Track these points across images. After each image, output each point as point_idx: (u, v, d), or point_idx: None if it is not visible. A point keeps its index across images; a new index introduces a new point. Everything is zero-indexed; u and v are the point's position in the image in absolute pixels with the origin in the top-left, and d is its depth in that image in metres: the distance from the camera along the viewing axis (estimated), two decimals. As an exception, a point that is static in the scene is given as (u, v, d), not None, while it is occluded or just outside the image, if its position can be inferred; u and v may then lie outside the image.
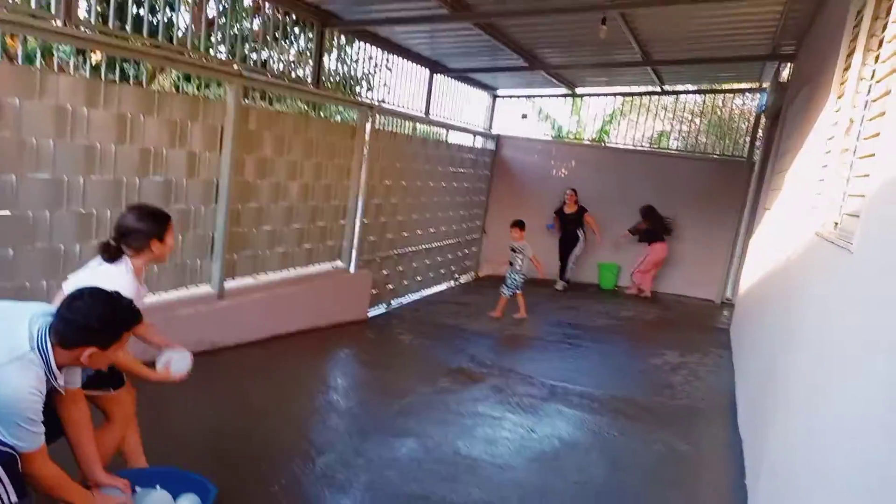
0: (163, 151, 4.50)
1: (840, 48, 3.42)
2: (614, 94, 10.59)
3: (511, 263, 7.12)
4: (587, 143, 11.16)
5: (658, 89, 9.77)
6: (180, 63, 4.62)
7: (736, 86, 10.21)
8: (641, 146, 10.25)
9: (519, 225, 7.09)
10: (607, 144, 10.81)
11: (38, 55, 4.01)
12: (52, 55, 6.68)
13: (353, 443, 3.65)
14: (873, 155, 2.27)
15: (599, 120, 11.61)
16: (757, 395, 3.99)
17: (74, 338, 1.94)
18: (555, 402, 4.68)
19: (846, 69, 3.24)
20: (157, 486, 2.43)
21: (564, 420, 4.36)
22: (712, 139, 10.20)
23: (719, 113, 10.29)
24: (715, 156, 9.86)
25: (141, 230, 2.60)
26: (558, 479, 3.50)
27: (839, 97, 3.31)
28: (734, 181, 9.21)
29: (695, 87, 10.03)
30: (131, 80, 4.52)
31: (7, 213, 3.64)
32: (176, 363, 2.70)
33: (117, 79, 4.46)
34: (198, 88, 5.95)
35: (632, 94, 10.29)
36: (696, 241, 9.41)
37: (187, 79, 5.42)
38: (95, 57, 5.22)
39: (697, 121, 10.47)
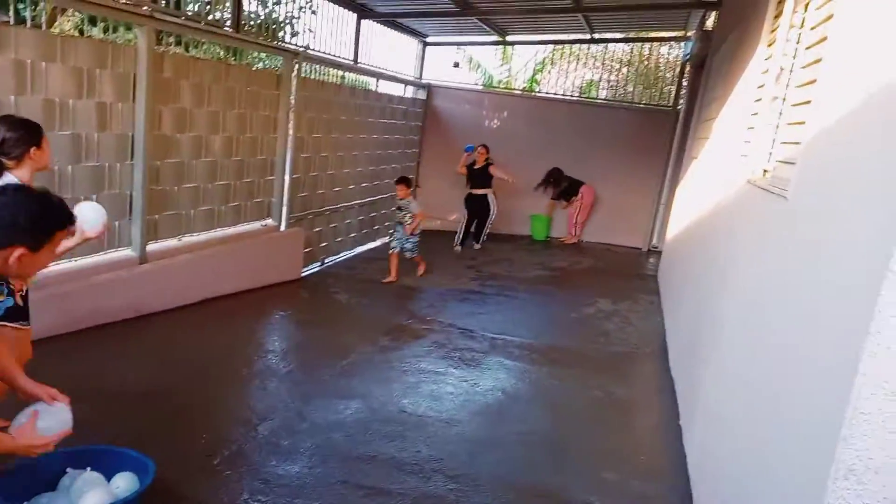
0: (69, 103, 4.12)
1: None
2: (544, 42, 10.52)
3: (400, 223, 6.64)
4: (518, 92, 11.10)
5: (588, 37, 9.76)
6: (83, 3, 4.18)
7: (663, 34, 10.33)
8: (571, 96, 10.29)
9: (404, 182, 6.64)
10: (537, 94, 10.79)
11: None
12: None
13: (297, 407, 3.56)
14: (809, 102, 2.31)
15: (530, 69, 11.55)
16: (688, 338, 4.15)
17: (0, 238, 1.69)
18: (496, 354, 4.72)
19: (777, 16, 3.28)
20: (88, 468, 2.27)
21: (506, 372, 4.42)
22: (639, 88, 10.35)
23: (646, 62, 10.42)
24: (641, 105, 10.02)
25: (17, 137, 2.54)
26: (504, 431, 3.55)
27: (770, 45, 3.35)
28: (660, 131, 9.42)
29: (623, 36, 10.07)
30: (28, 23, 4.07)
31: None
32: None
33: (11, 21, 4.01)
34: (104, 32, 5.44)
35: (562, 43, 10.25)
36: (623, 191, 9.63)
37: (92, 21, 4.94)
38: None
39: (625, 70, 10.57)
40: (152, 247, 4.89)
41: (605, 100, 10.36)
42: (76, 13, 6.18)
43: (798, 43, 2.87)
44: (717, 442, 2.74)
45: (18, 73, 3.76)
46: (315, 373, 4.10)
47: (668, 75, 10.17)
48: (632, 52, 10.42)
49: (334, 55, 7.60)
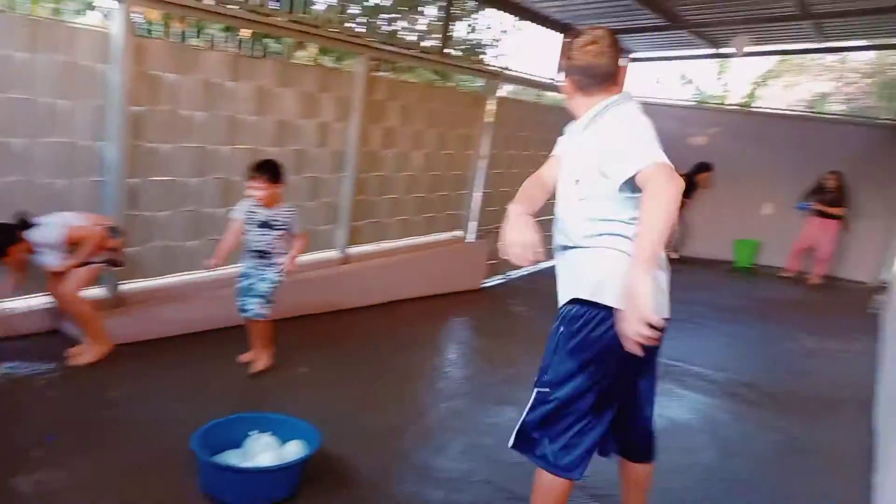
0: (297, 122, 4.84)
1: None
2: (765, 54, 9.70)
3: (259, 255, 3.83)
4: (732, 107, 10.36)
5: (818, 46, 8.81)
6: (314, 36, 4.88)
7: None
8: (793, 109, 9.35)
9: (268, 171, 3.64)
10: (753, 108, 9.97)
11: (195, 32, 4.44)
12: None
13: (455, 405, 3.81)
14: None
15: (748, 82, 10.71)
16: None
17: None
18: (668, 381, 4.53)
19: None
20: (269, 433, 2.73)
21: (676, 400, 4.23)
22: (883, 102, 9.07)
23: (892, 72, 9.10)
24: (885, 120, 8.77)
25: None
26: (663, 459, 3.40)
27: None
28: (900, 149, 8.16)
29: (864, 43, 8.92)
30: (271, 54, 4.85)
31: (163, 178, 4.16)
32: None
33: (263, 53, 4.81)
34: (335, 61, 6.29)
35: (787, 53, 9.37)
36: (855, 218, 8.48)
37: (324, 52, 5.75)
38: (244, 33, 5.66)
39: (866, 81, 9.34)
40: (353, 250, 5.52)
41: (838, 114, 9.25)
42: (313, 46, 7.18)
43: None
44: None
45: (259, 97, 4.53)
46: (479, 377, 4.33)
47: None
48: (874, 61, 9.17)
49: (534, 75, 7.83)
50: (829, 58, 9.13)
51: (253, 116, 4.53)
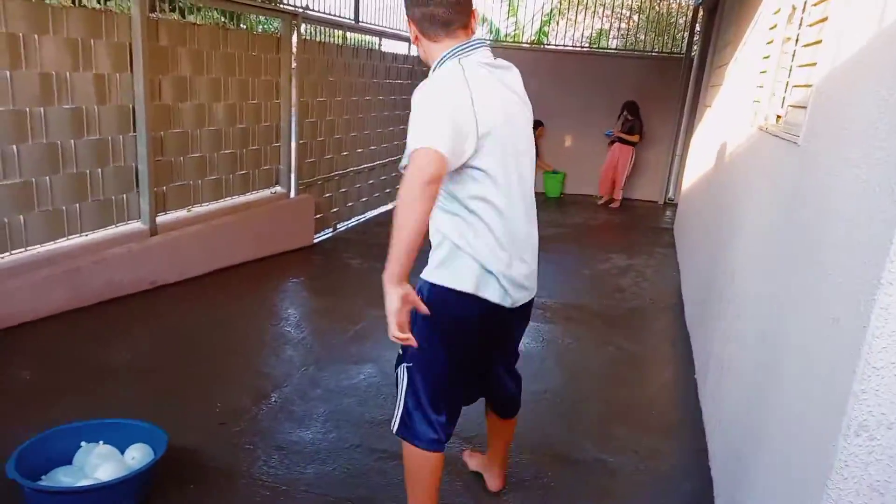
0: (66, 76, 4.07)
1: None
2: (551, -8, 10.20)
3: None
4: (526, 45, 10.82)
5: (595, -16, 9.45)
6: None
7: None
8: (580, 47, 10.02)
9: None
10: (546, 46, 10.52)
11: None
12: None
13: (310, 373, 3.59)
14: (820, 42, 2.19)
15: (537, 20, 11.23)
16: (702, 291, 4.09)
17: None
18: (507, 313, 4.69)
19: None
20: (101, 442, 2.30)
21: (518, 330, 4.39)
22: (651, 36, 10.04)
23: (657, 7, 10.08)
24: (654, 53, 9.74)
25: None
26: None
27: (784, -16, 3.19)
28: (673, 79, 9.17)
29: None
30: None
31: None
32: None
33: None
34: (98, 1, 5.35)
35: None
36: (644, 143, 9.43)
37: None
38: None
39: (636, 17, 10.25)
40: (162, 218, 4.90)
41: (616, 49, 10.09)
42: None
43: (812, -21, 2.72)
44: (730, 395, 2.71)
45: (11, 46, 3.71)
46: (328, 339, 4.12)
47: (680, 21, 9.84)
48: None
49: (335, 15, 7.42)
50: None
51: (7, 71, 3.70)
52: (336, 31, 7.16)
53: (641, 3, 10.11)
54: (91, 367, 3.47)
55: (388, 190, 8.50)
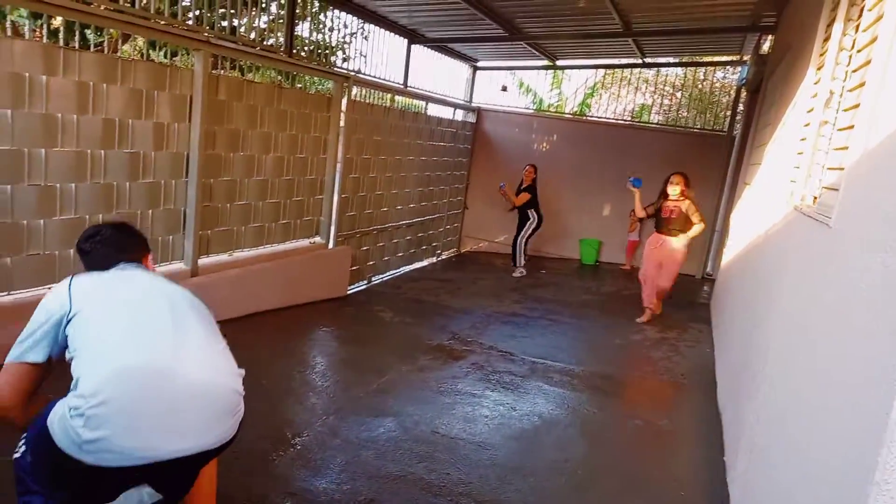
0: (129, 122, 4.33)
1: (820, 18, 3.35)
2: (595, 67, 10.47)
3: None
4: (568, 116, 11.05)
5: (639, 62, 9.67)
6: (144, 29, 4.42)
7: (717, 59, 10.14)
8: (622, 120, 10.18)
9: None
10: (588, 118, 10.72)
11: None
12: (4, 18, 6.38)
13: (330, 423, 3.60)
14: (852, 127, 2.22)
15: (581, 93, 11.50)
16: (735, 370, 3.99)
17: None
18: (535, 378, 4.66)
19: (826, 40, 3.18)
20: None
21: (544, 397, 4.34)
22: (693, 113, 10.15)
23: (700, 86, 10.23)
24: (696, 130, 9.82)
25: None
26: (537, 458, 3.48)
27: (819, 69, 3.25)
28: (715, 156, 9.20)
29: (676, 60, 9.93)
30: (93, 47, 4.32)
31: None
32: None
33: (77, 45, 4.27)
34: (167, 57, 5.73)
35: (613, 67, 10.19)
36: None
37: (153, 46, 5.22)
38: (54, 22, 4.98)
39: (678, 94, 10.40)
40: (203, 261, 5.07)
41: (657, 124, 10.21)
42: (139, 39, 6.53)
43: (848, 66, 2.77)
44: (760, 480, 2.61)
45: (81, 94, 3.98)
46: (352, 389, 4.13)
47: (723, 100, 9.95)
48: (685, 77, 10.25)
49: (384, 79, 7.76)
50: (648, 73, 10.03)
51: (75, 115, 3.97)
52: (385, 93, 7.47)
53: (685, 80, 10.27)
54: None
55: (423, 247, 8.63)
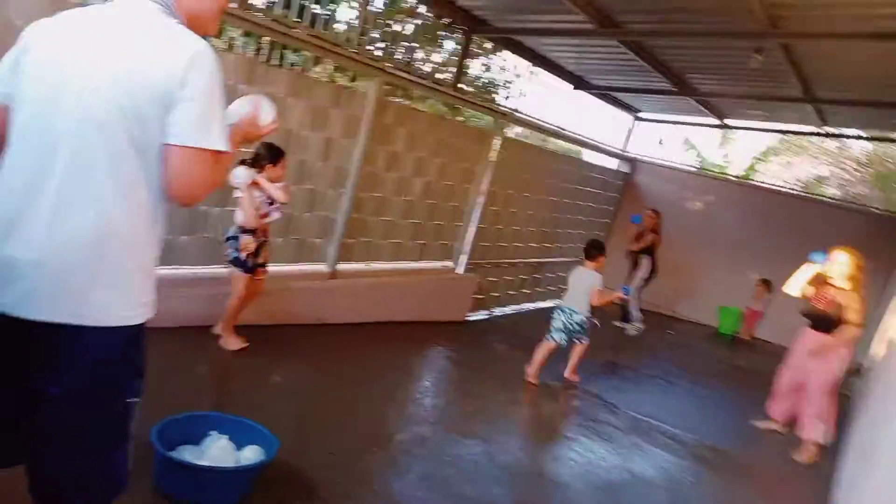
0: (303, 134, 4.91)
1: None
2: (768, 131, 9.93)
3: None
4: (732, 178, 10.56)
5: (819, 130, 9.04)
6: (333, 54, 5.00)
7: (911, 136, 9.22)
8: (792, 189, 9.54)
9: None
10: (754, 183, 10.16)
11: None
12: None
13: (421, 432, 3.81)
14: None
15: (749, 156, 10.94)
16: (855, 465, 3.65)
17: None
18: (635, 435, 4.55)
19: None
20: (227, 436, 2.71)
21: (640, 455, 4.24)
22: (876, 192, 9.27)
23: (888, 164, 9.33)
24: (876, 209, 8.96)
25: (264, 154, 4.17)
26: (615, 511, 3.44)
27: None
28: (893, 241, 8.32)
29: (863, 133, 9.17)
30: (290, 66, 4.97)
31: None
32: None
33: (279, 62, 4.92)
34: (350, 80, 6.42)
35: (788, 133, 9.61)
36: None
37: (339, 70, 5.88)
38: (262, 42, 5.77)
39: (861, 170, 9.56)
40: (343, 266, 5.55)
41: (833, 199, 9.45)
42: (330, 63, 7.33)
43: None
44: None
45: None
46: (450, 407, 4.33)
47: (913, 181, 9.00)
48: (872, 152, 9.41)
49: (542, 120, 7.99)
50: (829, 143, 9.34)
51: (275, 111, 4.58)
52: (540, 134, 7.70)
53: (871, 156, 9.44)
54: (249, 373, 4.03)
55: (551, 287, 8.67)
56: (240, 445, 2.72)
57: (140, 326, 1.56)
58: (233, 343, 4.23)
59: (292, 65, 5.22)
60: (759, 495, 4.07)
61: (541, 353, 5.17)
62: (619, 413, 4.90)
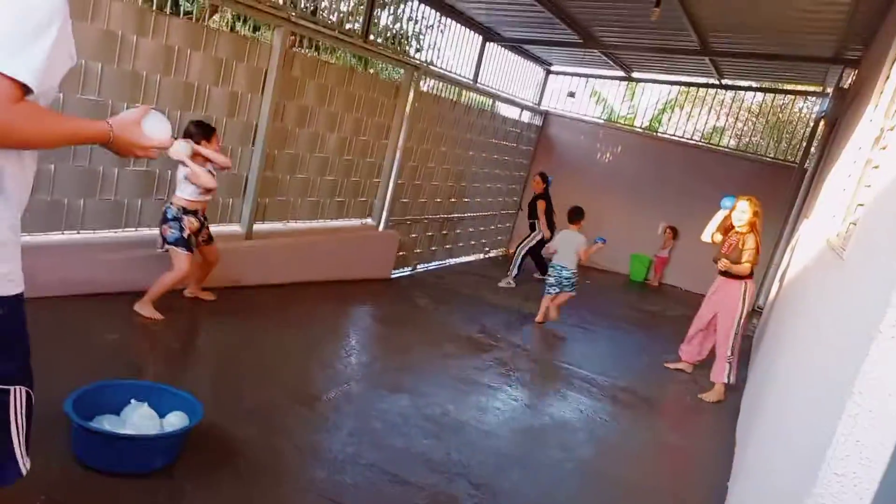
0: (206, 88, 4.64)
1: (888, 55, 3.29)
2: (671, 83, 10.31)
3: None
4: (638, 130, 10.93)
5: (717, 83, 9.47)
6: (231, 2, 4.71)
7: (799, 87, 9.82)
8: (693, 140, 10.01)
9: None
10: (658, 134, 10.58)
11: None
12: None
13: (348, 389, 3.80)
14: (878, 166, 2.22)
15: (653, 108, 11.34)
16: (754, 400, 3.96)
17: None
18: (557, 382, 4.73)
19: (887, 78, 3.13)
20: (146, 403, 2.59)
21: (560, 400, 4.42)
22: (767, 140, 9.88)
23: (779, 115, 9.94)
24: (768, 158, 9.55)
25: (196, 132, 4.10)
26: (539, 453, 3.58)
27: (875, 106, 3.20)
28: (784, 187, 8.93)
29: (755, 85, 9.67)
30: (183, 15, 4.65)
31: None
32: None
33: (169, 11, 4.59)
34: (252, 30, 6.07)
35: (689, 85, 10.01)
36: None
37: (241, 19, 5.55)
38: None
39: (754, 120, 10.13)
40: (258, 226, 5.36)
41: (729, 148, 9.98)
42: (228, 11, 6.91)
43: (899, 106, 2.74)
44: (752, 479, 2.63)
45: (167, 56, 4.31)
46: (376, 364, 4.33)
47: (801, 130, 9.63)
48: (763, 103, 9.97)
49: (455, 73, 7.91)
50: (726, 95, 9.81)
51: (158, 75, 4.30)
52: (453, 87, 7.63)
53: (763, 106, 10.00)
54: (165, 339, 3.86)
55: (472, 242, 8.76)
56: (162, 412, 2.61)
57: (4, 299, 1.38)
58: (151, 313, 4.05)
59: (187, 14, 4.86)
60: (669, 431, 4.34)
61: (544, 303, 6.13)
62: (540, 361, 5.07)
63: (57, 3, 1.33)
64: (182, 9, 4.71)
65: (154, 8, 4.28)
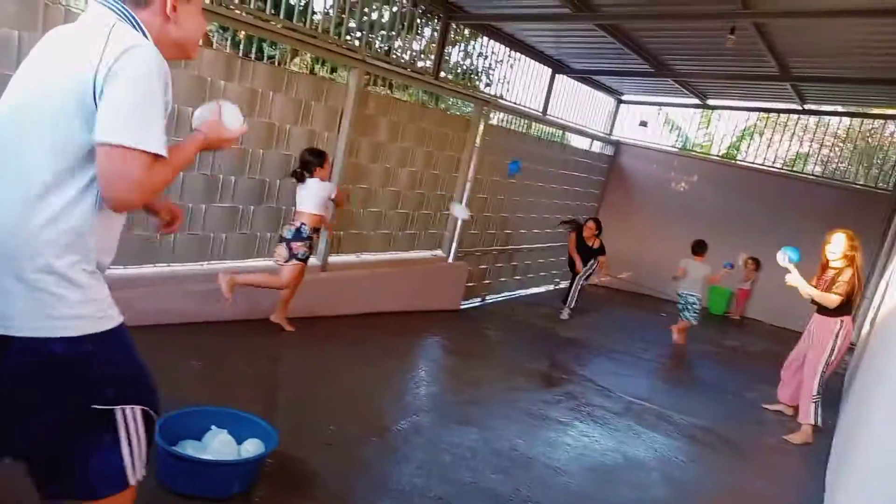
0: (286, 128, 4.88)
1: None
2: (749, 109, 10.00)
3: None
4: (715, 157, 10.62)
5: (798, 108, 9.11)
6: (310, 46, 4.97)
7: (889, 111, 9.30)
8: (775, 167, 9.62)
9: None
10: (737, 162, 10.24)
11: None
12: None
13: (418, 421, 3.82)
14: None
15: (730, 135, 11.01)
16: (845, 442, 3.72)
17: None
18: (628, 418, 4.59)
19: None
20: (226, 430, 2.71)
21: (633, 437, 4.28)
22: (856, 167, 9.38)
23: (868, 140, 9.43)
24: (858, 185, 9.06)
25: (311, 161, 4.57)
26: (611, 491, 3.48)
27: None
28: (877, 214, 8.43)
29: (841, 109, 9.24)
30: (266, 59, 4.93)
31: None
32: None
33: (254, 57, 4.89)
34: (329, 72, 6.36)
35: (769, 111, 9.68)
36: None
37: (320, 62, 5.83)
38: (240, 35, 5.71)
39: (841, 146, 9.65)
40: (333, 258, 5.54)
41: (815, 175, 9.54)
42: (308, 55, 7.27)
43: None
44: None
45: (251, 99, 4.57)
46: (446, 396, 4.35)
47: (892, 155, 9.10)
48: (850, 128, 9.50)
49: (524, 105, 7.98)
50: (809, 120, 9.42)
51: (243, 116, 4.54)
52: (523, 119, 7.70)
53: (849, 131, 9.52)
54: (245, 367, 4.02)
55: (543, 273, 8.70)
56: (240, 439, 2.72)
57: (91, 336, 1.50)
58: (290, 325, 4.78)
59: (270, 58, 5.15)
60: (752, 475, 4.12)
61: (676, 328, 6.90)
62: (612, 396, 4.95)
63: (165, 72, 1.51)
64: (265, 53, 4.99)
65: (241, 54, 4.57)
